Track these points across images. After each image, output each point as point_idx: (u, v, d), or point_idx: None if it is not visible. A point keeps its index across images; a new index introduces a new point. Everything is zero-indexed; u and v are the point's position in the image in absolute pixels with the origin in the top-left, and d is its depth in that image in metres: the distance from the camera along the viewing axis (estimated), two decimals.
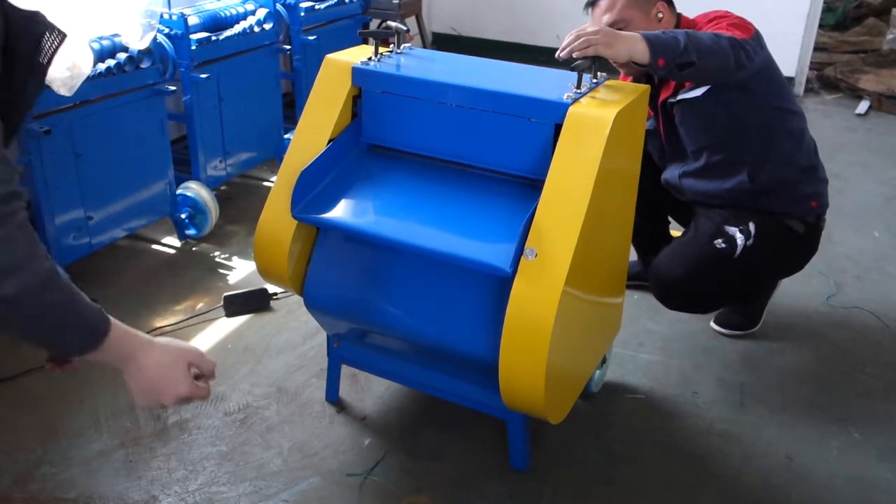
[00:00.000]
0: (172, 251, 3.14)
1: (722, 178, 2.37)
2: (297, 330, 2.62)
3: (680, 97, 2.28)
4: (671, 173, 2.50)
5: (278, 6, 3.53)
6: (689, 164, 2.42)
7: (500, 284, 1.76)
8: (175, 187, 3.09)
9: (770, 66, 2.26)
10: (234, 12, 3.34)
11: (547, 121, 1.79)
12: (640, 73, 2.25)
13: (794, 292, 2.85)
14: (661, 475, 2.07)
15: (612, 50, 1.91)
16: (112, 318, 1.19)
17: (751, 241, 2.32)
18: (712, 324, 2.62)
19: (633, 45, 1.94)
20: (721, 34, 2.08)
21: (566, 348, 1.78)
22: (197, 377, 1.30)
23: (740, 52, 2.08)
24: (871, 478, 2.07)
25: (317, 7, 3.85)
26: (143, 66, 2.81)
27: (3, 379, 2.32)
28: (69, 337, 1.14)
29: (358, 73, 1.97)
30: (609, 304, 2.15)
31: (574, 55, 1.89)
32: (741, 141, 2.32)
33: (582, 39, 1.90)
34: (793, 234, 2.38)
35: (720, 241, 2.34)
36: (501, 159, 1.88)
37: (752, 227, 2.33)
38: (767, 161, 2.33)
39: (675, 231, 2.77)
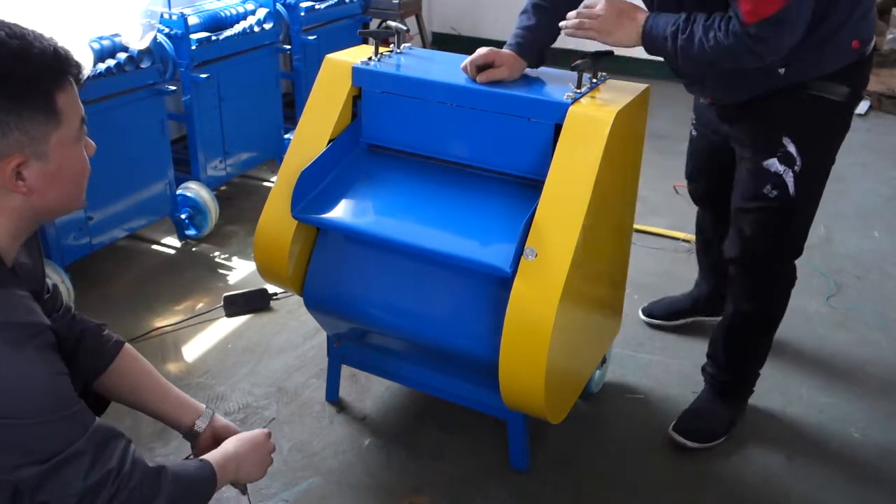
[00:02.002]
0: (172, 251, 3.14)
1: None
2: (297, 330, 2.62)
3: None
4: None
5: (278, 6, 3.53)
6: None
7: (500, 284, 1.76)
8: (175, 187, 3.09)
9: None
10: (234, 12, 3.33)
11: (547, 121, 1.79)
12: None
13: (795, 292, 2.84)
14: (661, 475, 2.07)
15: (610, 38, 1.86)
16: (210, 460, 1.36)
17: (798, 164, 1.93)
18: (672, 432, 2.18)
19: (630, 36, 1.85)
20: (727, 30, 1.71)
21: (566, 348, 1.78)
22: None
23: (744, 54, 1.74)
24: (871, 478, 2.07)
25: (317, 7, 3.85)
26: (143, 66, 2.81)
27: None
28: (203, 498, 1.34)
29: (358, 73, 1.97)
30: (609, 304, 2.15)
31: (568, 34, 1.87)
32: None
33: (580, 21, 1.86)
34: (834, 106, 1.92)
35: (769, 187, 1.96)
36: (501, 159, 1.88)
37: (788, 144, 1.93)
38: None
39: None
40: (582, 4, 1.89)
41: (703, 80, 2.01)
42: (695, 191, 2.43)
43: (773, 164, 1.96)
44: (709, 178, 2.33)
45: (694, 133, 2.31)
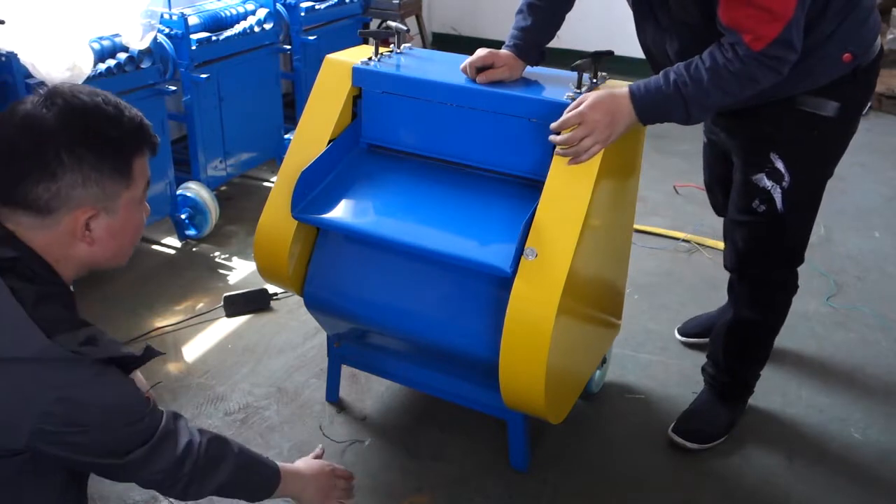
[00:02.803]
0: (172, 251, 3.14)
1: None
2: (297, 330, 2.62)
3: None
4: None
5: (278, 6, 3.53)
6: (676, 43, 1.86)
7: (500, 285, 1.76)
8: (175, 187, 3.09)
9: None
10: (234, 12, 3.33)
11: (547, 121, 1.79)
12: None
13: None
14: (661, 475, 2.07)
15: (613, 137, 1.73)
16: (280, 468, 1.54)
17: (786, 181, 1.88)
18: (671, 433, 2.18)
19: (627, 121, 1.73)
20: (737, 56, 1.64)
21: (566, 348, 1.78)
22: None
23: (763, 72, 1.66)
24: (871, 478, 2.07)
25: (317, 7, 3.85)
26: (143, 66, 2.81)
27: None
28: (258, 493, 1.53)
29: (358, 73, 1.98)
30: (609, 305, 2.15)
31: (569, 164, 1.74)
32: None
33: (577, 147, 1.72)
34: (825, 122, 1.84)
35: (757, 201, 1.92)
36: (502, 159, 1.88)
37: (775, 160, 1.87)
38: None
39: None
40: (561, 119, 1.73)
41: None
42: (714, 201, 2.36)
43: (762, 179, 1.91)
44: (723, 186, 2.22)
45: (705, 140, 2.26)
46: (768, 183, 1.90)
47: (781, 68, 1.67)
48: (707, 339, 2.35)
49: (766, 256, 2.01)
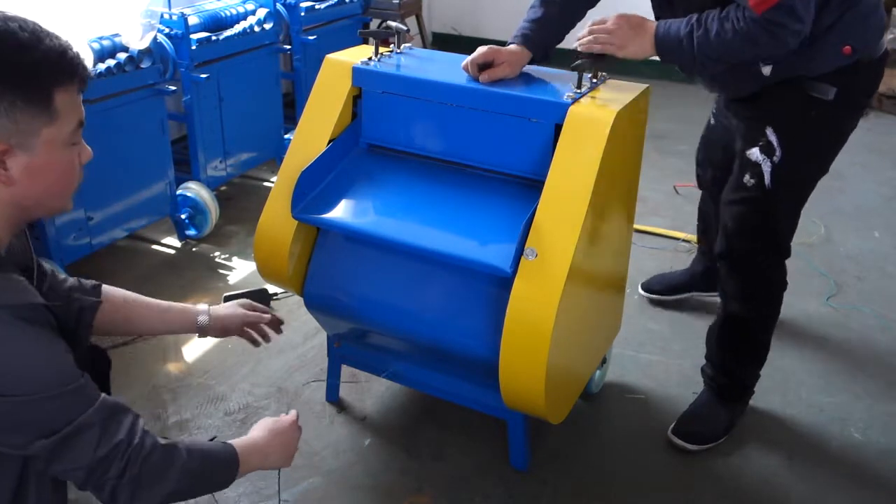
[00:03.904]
0: (172, 251, 3.14)
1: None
2: (297, 330, 2.62)
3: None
4: None
5: (278, 6, 3.53)
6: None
7: (500, 284, 1.76)
8: (175, 187, 3.09)
9: None
10: (234, 12, 3.33)
11: (547, 121, 1.79)
12: None
13: (794, 292, 2.85)
14: (661, 475, 2.07)
15: (624, 52, 1.88)
16: (235, 444, 1.42)
17: (777, 155, 1.94)
18: (671, 434, 2.18)
19: (644, 48, 1.87)
20: (743, 17, 1.73)
21: (566, 348, 1.78)
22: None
23: (764, 37, 1.73)
24: (871, 478, 2.07)
25: (317, 7, 3.85)
26: (143, 66, 2.81)
27: None
28: (222, 479, 1.42)
29: (358, 73, 1.98)
30: (609, 305, 2.15)
31: (583, 50, 1.87)
32: None
33: (594, 37, 1.88)
34: (823, 105, 1.91)
35: (747, 176, 1.99)
36: (502, 159, 1.88)
37: (770, 134, 1.95)
38: None
39: None
40: (591, 21, 1.90)
41: (713, 78, 2.04)
42: (702, 175, 2.53)
43: (755, 153, 1.98)
44: (716, 166, 2.41)
45: (712, 122, 2.40)
46: (760, 157, 1.97)
47: (782, 35, 1.73)
48: (669, 297, 2.65)
49: (752, 237, 2.05)
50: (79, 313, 1.23)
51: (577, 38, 1.92)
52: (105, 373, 1.61)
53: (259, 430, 1.51)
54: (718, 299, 2.24)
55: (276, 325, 1.83)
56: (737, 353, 2.20)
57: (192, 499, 1.39)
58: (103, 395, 1.22)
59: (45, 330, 1.14)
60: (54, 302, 1.39)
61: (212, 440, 1.42)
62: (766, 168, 1.96)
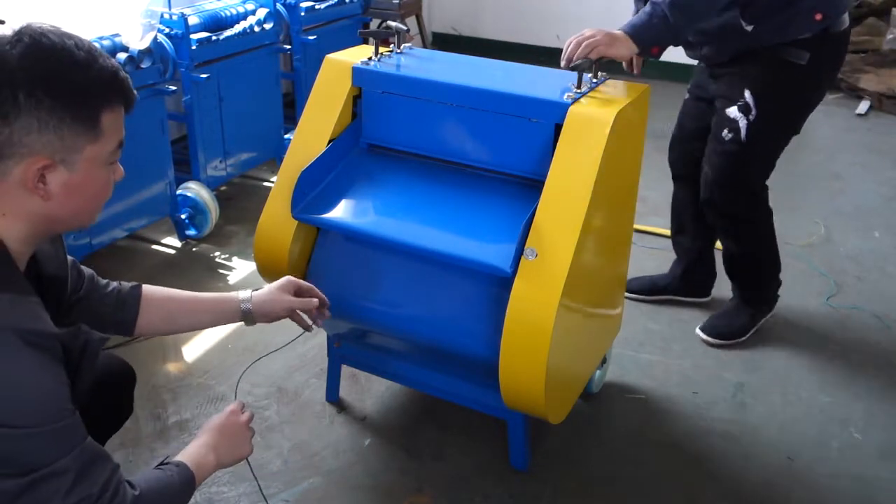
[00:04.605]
0: (172, 251, 3.14)
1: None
2: (297, 330, 2.61)
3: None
4: None
5: (278, 6, 3.53)
6: None
7: (500, 284, 1.76)
8: (175, 187, 3.09)
9: None
10: (234, 12, 3.33)
11: (547, 121, 1.79)
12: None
13: (794, 292, 2.85)
14: (661, 475, 2.07)
15: (614, 49, 2.00)
16: (187, 462, 1.36)
17: (752, 114, 2.25)
18: (698, 330, 2.58)
19: (627, 45, 2.04)
20: None
21: (566, 348, 1.78)
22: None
23: None
24: (871, 478, 2.07)
25: (317, 7, 3.85)
26: (143, 66, 2.81)
27: None
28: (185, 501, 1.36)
29: (358, 73, 1.98)
30: (609, 304, 2.15)
31: (578, 60, 1.92)
32: None
33: (584, 45, 1.98)
34: (796, 70, 2.23)
35: (725, 131, 2.30)
36: (501, 159, 1.88)
37: (748, 96, 2.26)
38: None
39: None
40: (567, 42, 2.03)
41: (700, 45, 2.34)
42: (673, 161, 2.69)
43: (733, 111, 2.29)
44: (685, 146, 2.60)
45: (687, 96, 2.60)
46: (738, 115, 2.28)
47: None
48: (649, 297, 2.79)
49: (731, 183, 2.36)
50: (84, 346, 1.19)
51: (561, 58, 2.03)
52: (130, 388, 1.61)
53: (205, 432, 1.46)
54: (697, 298, 2.76)
55: (325, 307, 1.76)
56: (747, 275, 2.58)
57: None
58: (88, 439, 1.17)
59: (45, 357, 1.10)
60: (77, 321, 1.36)
61: (163, 462, 1.35)
62: (743, 124, 2.27)
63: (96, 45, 1.18)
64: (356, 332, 2.10)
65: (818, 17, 2.17)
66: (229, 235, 3.25)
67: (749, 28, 2.20)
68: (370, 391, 2.33)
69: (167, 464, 1.34)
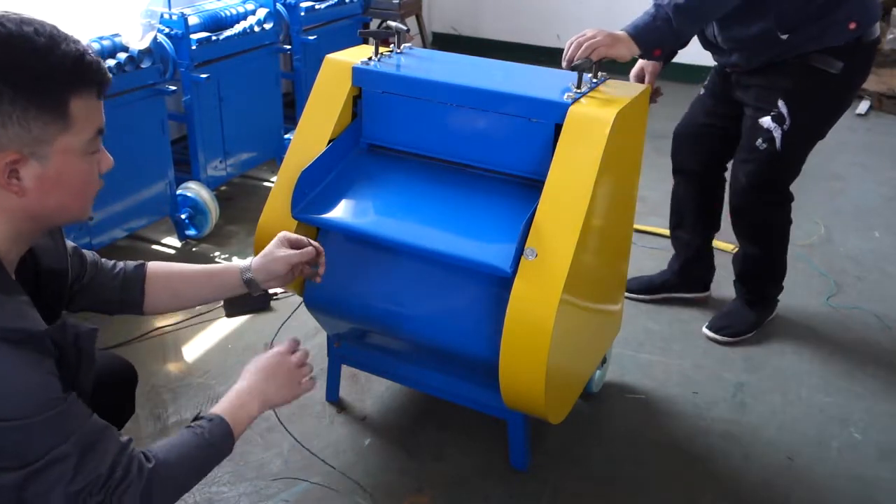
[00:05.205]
0: (172, 251, 3.14)
1: (748, 19, 2.24)
2: (297, 330, 2.61)
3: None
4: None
5: (278, 6, 3.53)
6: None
7: (500, 284, 1.76)
8: (175, 187, 3.09)
9: None
10: (234, 12, 3.33)
11: (547, 121, 1.79)
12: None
13: (794, 292, 2.85)
14: (661, 475, 2.07)
15: (615, 50, 2.00)
16: (219, 413, 1.33)
17: (787, 124, 2.27)
18: (705, 329, 2.61)
19: (628, 46, 2.05)
20: None
21: (566, 348, 1.78)
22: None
23: None
24: (871, 478, 2.07)
25: (317, 7, 3.85)
26: (143, 66, 2.81)
27: None
28: (223, 456, 1.33)
29: (358, 73, 1.97)
30: (609, 304, 2.15)
31: (579, 61, 1.92)
32: None
33: (585, 46, 1.98)
34: (829, 79, 2.24)
35: (759, 140, 2.31)
36: (502, 159, 1.88)
37: (781, 106, 2.26)
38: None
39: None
40: (569, 42, 2.03)
41: (731, 51, 2.32)
42: (677, 155, 2.69)
43: (767, 121, 2.29)
44: (691, 141, 2.61)
45: (701, 91, 2.59)
46: (772, 125, 2.28)
47: None
48: (647, 297, 2.80)
49: (761, 190, 2.40)
50: (76, 339, 1.15)
51: (563, 59, 2.03)
52: (132, 388, 1.61)
53: (245, 376, 1.42)
54: (696, 294, 2.80)
55: (320, 255, 1.69)
56: (757, 278, 2.61)
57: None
58: (93, 417, 1.15)
59: (29, 353, 1.08)
60: (85, 307, 1.38)
61: (197, 418, 1.32)
62: (777, 134, 2.28)
63: (59, 28, 1.12)
64: (356, 332, 2.10)
65: (852, 25, 2.18)
66: (229, 235, 3.25)
67: (784, 37, 2.20)
68: (370, 391, 2.33)
69: (200, 418, 1.31)
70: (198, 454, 1.27)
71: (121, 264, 1.54)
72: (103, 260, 1.53)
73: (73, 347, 1.15)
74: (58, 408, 1.09)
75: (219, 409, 1.34)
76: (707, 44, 2.42)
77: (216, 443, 1.29)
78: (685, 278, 2.79)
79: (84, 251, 1.51)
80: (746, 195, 2.41)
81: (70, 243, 1.44)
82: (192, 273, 1.61)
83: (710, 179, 2.64)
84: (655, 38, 2.08)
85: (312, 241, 1.68)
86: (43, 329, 1.10)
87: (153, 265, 1.57)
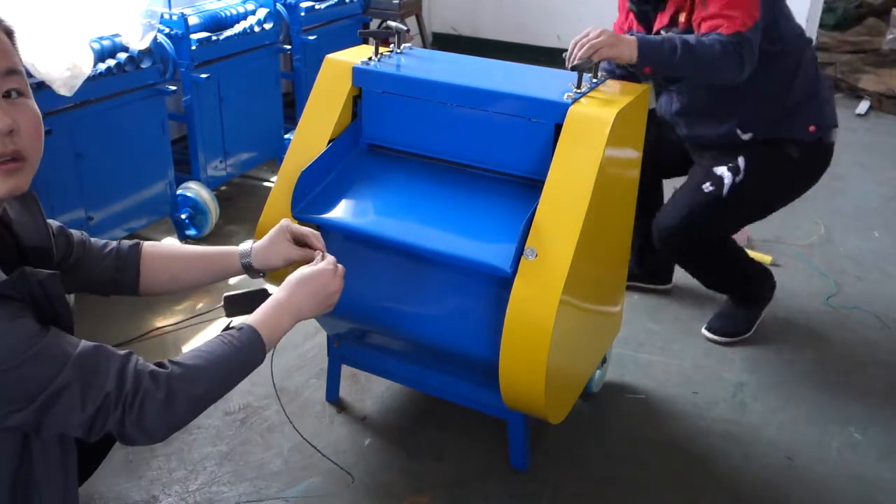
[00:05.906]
0: None
1: (712, 123, 2.36)
2: (297, 330, 2.58)
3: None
4: (664, 108, 2.47)
5: (278, 6, 3.53)
6: (678, 100, 2.39)
7: (500, 284, 1.76)
8: (175, 187, 3.09)
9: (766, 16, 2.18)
10: (234, 12, 3.34)
11: (547, 121, 1.79)
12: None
13: (794, 292, 2.85)
14: (661, 475, 2.07)
15: (616, 50, 2.01)
16: (250, 324, 1.35)
17: (740, 176, 2.31)
18: (704, 330, 2.61)
19: (630, 49, 2.03)
20: (719, 39, 2.08)
21: (566, 348, 1.78)
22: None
23: (737, 59, 2.09)
24: (871, 478, 2.07)
25: (317, 7, 3.86)
26: (143, 66, 2.81)
27: None
28: (253, 364, 1.34)
29: (358, 73, 1.98)
30: (609, 304, 2.15)
31: (580, 60, 1.93)
32: (721, 90, 2.29)
33: (587, 46, 1.97)
34: (789, 159, 2.34)
35: (707, 184, 2.33)
36: (502, 159, 1.88)
37: (741, 161, 2.32)
38: (753, 104, 2.30)
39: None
40: (573, 40, 2.03)
41: (690, 126, 2.40)
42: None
43: (722, 170, 2.34)
44: (652, 158, 2.53)
45: (659, 120, 2.54)
46: (727, 173, 2.32)
47: (744, 67, 2.11)
48: (646, 285, 2.85)
49: (696, 234, 2.38)
50: (41, 284, 1.12)
51: (565, 56, 2.02)
52: None
53: (287, 288, 1.44)
54: (657, 286, 2.82)
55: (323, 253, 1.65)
56: (725, 289, 2.64)
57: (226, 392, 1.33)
58: (82, 344, 1.14)
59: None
60: (78, 288, 1.37)
61: (228, 327, 1.34)
62: (727, 181, 2.31)
63: None
64: (356, 331, 2.10)
65: (812, 129, 2.31)
66: (229, 235, 3.25)
67: (746, 137, 2.32)
68: (370, 391, 2.33)
69: (230, 328, 1.33)
70: (224, 359, 1.27)
71: (113, 244, 1.52)
72: (93, 239, 1.52)
73: (41, 293, 1.13)
74: (40, 342, 1.09)
75: (252, 320, 1.36)
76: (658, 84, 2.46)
77: (244, 348, 1.30)
78: (646, 269, 2.83)
79: (71, 231, 1.49)
80: (676, 235, 2.38)
81: (56, 223, 1.43)
82: (190, 255, 1.60)
83: (661, 169, 2.65)
84: (655, 57, 2.07)
85: (314, 239, 1.66)
86: (3, 279, 1.08)
87: (149, 245, 1.56)
